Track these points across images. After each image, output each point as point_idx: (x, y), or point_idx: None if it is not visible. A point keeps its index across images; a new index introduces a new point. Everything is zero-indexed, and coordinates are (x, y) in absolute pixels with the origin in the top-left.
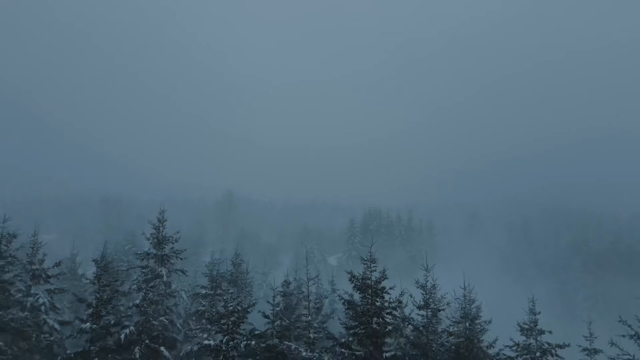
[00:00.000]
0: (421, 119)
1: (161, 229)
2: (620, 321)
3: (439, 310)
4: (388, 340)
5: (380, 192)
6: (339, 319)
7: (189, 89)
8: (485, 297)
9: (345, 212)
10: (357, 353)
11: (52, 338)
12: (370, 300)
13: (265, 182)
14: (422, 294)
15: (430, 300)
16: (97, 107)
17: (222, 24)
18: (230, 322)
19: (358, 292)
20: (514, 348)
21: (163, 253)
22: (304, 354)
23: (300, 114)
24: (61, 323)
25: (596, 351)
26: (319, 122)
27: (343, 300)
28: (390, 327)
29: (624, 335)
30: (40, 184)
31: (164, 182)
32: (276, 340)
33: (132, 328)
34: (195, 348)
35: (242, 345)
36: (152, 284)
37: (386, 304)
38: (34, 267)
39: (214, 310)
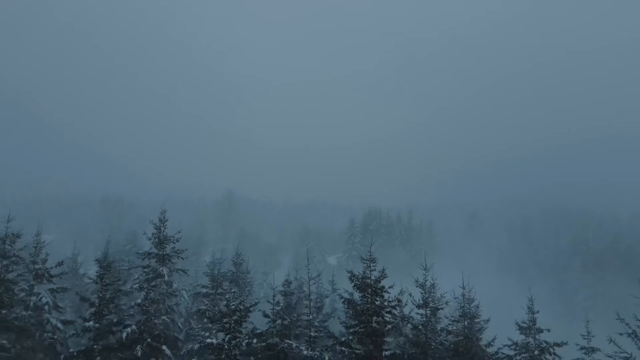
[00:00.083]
0: (421, 119)
1: (162, 228)
2: (617, 319)
3: (438, 309)
4: (388, 338)
5: (380, 192)
6: (339, 318)
7: (189, 89)
8: (485, 296)
9: (345, 212)
10: (357, 351)
11: (55, 337)
12: (370, 299)
13: (265, 182)
14: (421, 293)
15: (429, 299)
16: (97, 107)
17: (222, 24)
18: (232, 321)
19: (358, 291)
20: (513, 347)
21: (164, 253)
22: (304, 352)
23: (300, 114)
24: (64, 322)
25: (594, 350)
26: (319, 122)
27: (343, 299)
28: (389, 326)
29: (621, 334)
30: (40, 184)
31: (164, 182)
32: (277, 339)
33: (134, 327)
34: (196, 347)
35: (243, 344)
36: (153, 283)
37: (386, 303)
38: (36, 266)
39: (216, 309)
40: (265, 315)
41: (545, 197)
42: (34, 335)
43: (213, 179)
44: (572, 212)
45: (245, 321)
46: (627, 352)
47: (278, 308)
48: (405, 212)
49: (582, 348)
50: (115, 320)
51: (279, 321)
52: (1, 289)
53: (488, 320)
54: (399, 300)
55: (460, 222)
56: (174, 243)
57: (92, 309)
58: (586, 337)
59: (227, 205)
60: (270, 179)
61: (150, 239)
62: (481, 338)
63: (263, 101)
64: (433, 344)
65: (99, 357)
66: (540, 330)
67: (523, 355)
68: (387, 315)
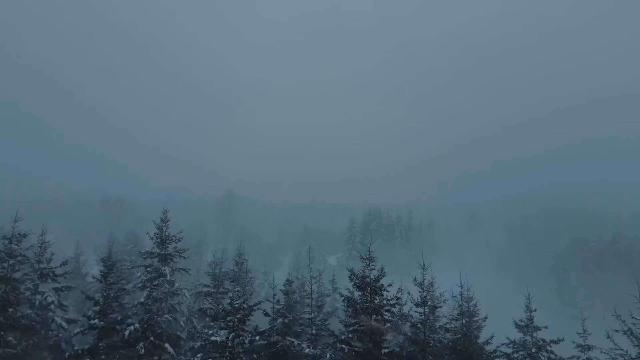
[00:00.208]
0: (421, 119)
1: (164, 228)
2: (614, 315)
3: (436, 308)
4: (387, 336)
5: (380, 192)
6: (338, 318)
7: (189, 89)
8: (485, 296)
9: (345, 212)
10: (356, 349)
11: (60, 335)
12: (369, 298)
13: (265, 182)
14: (420, 291)
15: (428, 297)
16: (97, 107)
17: (222, 24)
18: (236, 319)
19: (357, 290)
20: (511, 345)
21: (166, 252)
22: (306, 350)
23: (300, 114)
24: (68, 321)
25: (589, 347)
26: (319, 122)
27: (343, 297)
28: (388, 324)
29: (617, 330)
30: (40, 184)
31: (164, 182)
32: (278, 337)
33: (136, 325)
34: (198, 345)
35: (246, 342)
36: (156, 282)
37: (385, 302)
38: (41, 266)
39: (219, 307)
40: (266, 314)
41: (545, 197)
42: (39, 333)
43: (213, 179)
44: (572, 212)
45: (248, 319)
46: (622, 349)
47: (279, 307)
48: (405, 212)
49: (578, 345)
50: (119, 318)
51: (280, 319)
52: (7, 287)
53: (486, 318)
54: (398, 299)
55: (460, 222)
56: (176, 243)
57: (97, 307)
58: (582, 334)
59: (227, 205)
60: (270, 179)
61: (152, 239)
62: (479, 336)
63: (263, 101)
64: (431, 341)
65: (103, 355)
66: (538, 328)
67: (520, 352)
68: (386, 313)
